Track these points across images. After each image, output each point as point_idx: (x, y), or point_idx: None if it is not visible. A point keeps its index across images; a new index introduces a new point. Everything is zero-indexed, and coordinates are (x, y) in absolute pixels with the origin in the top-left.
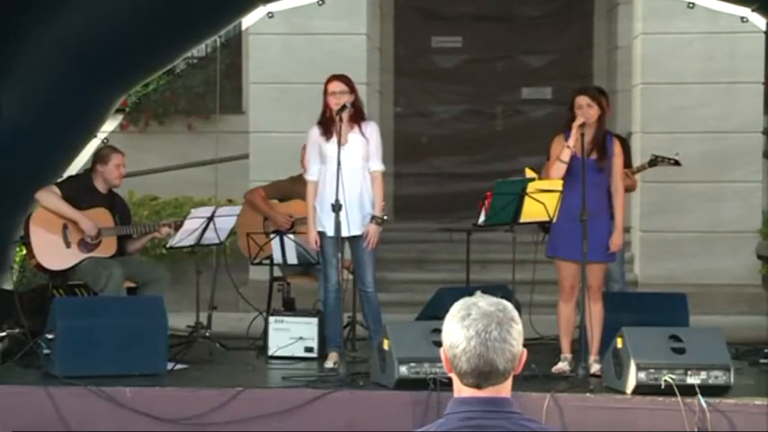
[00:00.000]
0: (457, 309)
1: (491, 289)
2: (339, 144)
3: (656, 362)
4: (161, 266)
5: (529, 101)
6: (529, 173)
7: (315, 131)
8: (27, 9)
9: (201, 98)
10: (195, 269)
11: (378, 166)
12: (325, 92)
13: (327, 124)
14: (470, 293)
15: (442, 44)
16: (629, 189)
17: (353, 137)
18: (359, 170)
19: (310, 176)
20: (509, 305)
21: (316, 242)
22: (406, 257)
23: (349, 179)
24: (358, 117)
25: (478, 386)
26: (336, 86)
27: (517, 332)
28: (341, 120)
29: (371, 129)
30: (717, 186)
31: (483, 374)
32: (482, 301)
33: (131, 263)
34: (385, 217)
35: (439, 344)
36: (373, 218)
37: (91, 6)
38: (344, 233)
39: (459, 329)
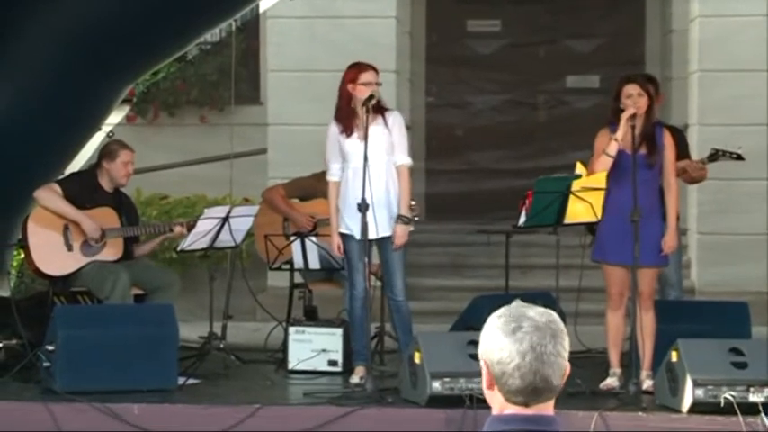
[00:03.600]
0: (504, 321)
1: (533, 297)
2: (366, 137)
3: (714, 377)
4: (171, 272)
5: (574, 90)
6: (580, 168)
7: (333, 128)
8: None
9: (215, 87)
10: (208, 275)
11: (403, 159)
12: (352, 81)
13: (347, 118)
14: (510, 302)
15: (478, 28)
16: (698, 180)
17: (375, 129)
18: (383, 165)
19: (331, 177)
20: (556, 315)
21: (339, 247)
22: (439, 262)
23: (373, 176)
24: (380, 108)
25: (527, 404)
26: (373, 77)
27: (566, 345)
28: (368, 111)
29: (394, 118)
30: None
31: (537, 391)
32: (531, 312)
33: (139, 267)
34: (416, 217)
35: (476, 357)
36: (399, 217)
37: None
38: (372, 235)
39: (511, 344)
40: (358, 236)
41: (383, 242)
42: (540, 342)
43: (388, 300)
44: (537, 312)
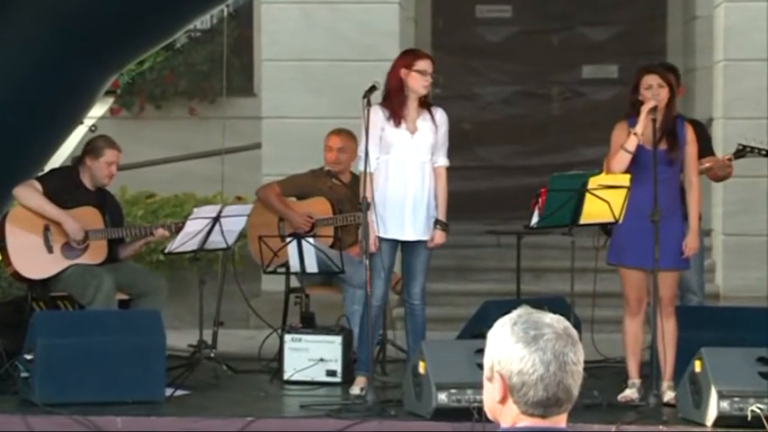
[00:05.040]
0: (522, 329)
1: (546, 302)
2: (367, 131)
3: (741, 389)
4: (158, 275)
5: (591, 81)
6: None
7: (376, 113)
8: None
9: (206, 78)
10: (198, 278)
11: (444, 160)
12: (406, 66)
13: (398, 106)
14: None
15: (487, 14)
16: (723, 177)
17: (423, 124)
18: (427, 164)
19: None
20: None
21: (375, 244)
22: (445, 265)
23: (416, 174)
24: (426, 102)
25: (544, 416)
26: (429, 66)
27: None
28: (369, 104)
29: (441, 116)
30: None
31: (558, 402)
32: (547, 318)
33: (124, 271)
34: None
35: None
36: (438, 222)
37: None
38: (406, 237)
39: (532, 353)
40: (391, 236)
41: (413, 245)
42: (562, 351)
43: (404, 303)
44: (553, 319)
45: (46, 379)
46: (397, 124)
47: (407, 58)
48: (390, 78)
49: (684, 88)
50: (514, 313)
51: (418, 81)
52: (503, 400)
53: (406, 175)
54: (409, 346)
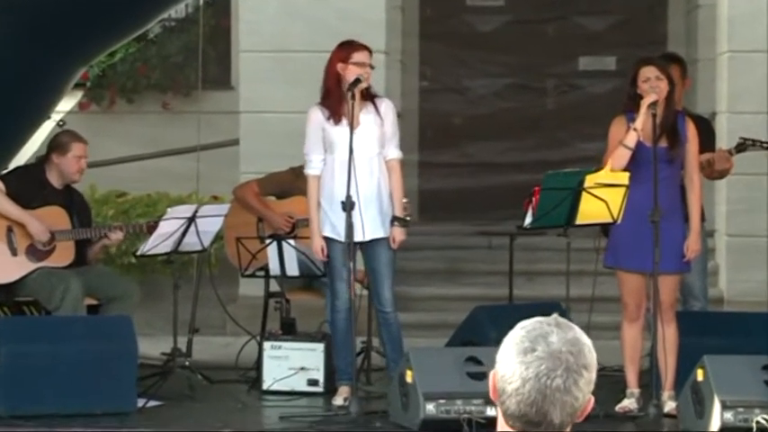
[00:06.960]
0: (521, 336)
1: (540, 308)
2: (352, 126)
3: (745, 398)
4: (129, 279)
5: (587, 73)
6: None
7: (316, 114)
8: None
9: (180, 70)
10: (172, 283)
11: (395, 152)
12: (342, 60)
13: (336, 103)
14: (514, 313)
15: (479, 2)
16: (722, 174)
17: (366, 118)
18: (375, 158)
19: (312, 170)
20: (587, 346)
21: (322, 250)
22: (433, 268)
23: (364, 170)
24: (370, 94)
25: (523, 431)
26: (366, 57)
27: (586, 382)
28: (353, 97)
29: (387, 106)
30: None
31: (532, 424)
32: (554, 335)
33: (93, 274)
34: (408, 217)
35: (474, 376)
36: (395, 219)
37: None
38: (359, 237)
39: (517, 364)
40: (342, 238)
41: (372, 245)
42: (548, 374)
43: (376, 312)
44: (561, 338)
45: (10, 389)
46: (337, 122)
47: (343, 51)
48: (327, 74)
49: (691, 80)
50: (535, 319)
51: (356, 74)
52: (494, 398)
53: (353, 173)
54: (387, 356)
